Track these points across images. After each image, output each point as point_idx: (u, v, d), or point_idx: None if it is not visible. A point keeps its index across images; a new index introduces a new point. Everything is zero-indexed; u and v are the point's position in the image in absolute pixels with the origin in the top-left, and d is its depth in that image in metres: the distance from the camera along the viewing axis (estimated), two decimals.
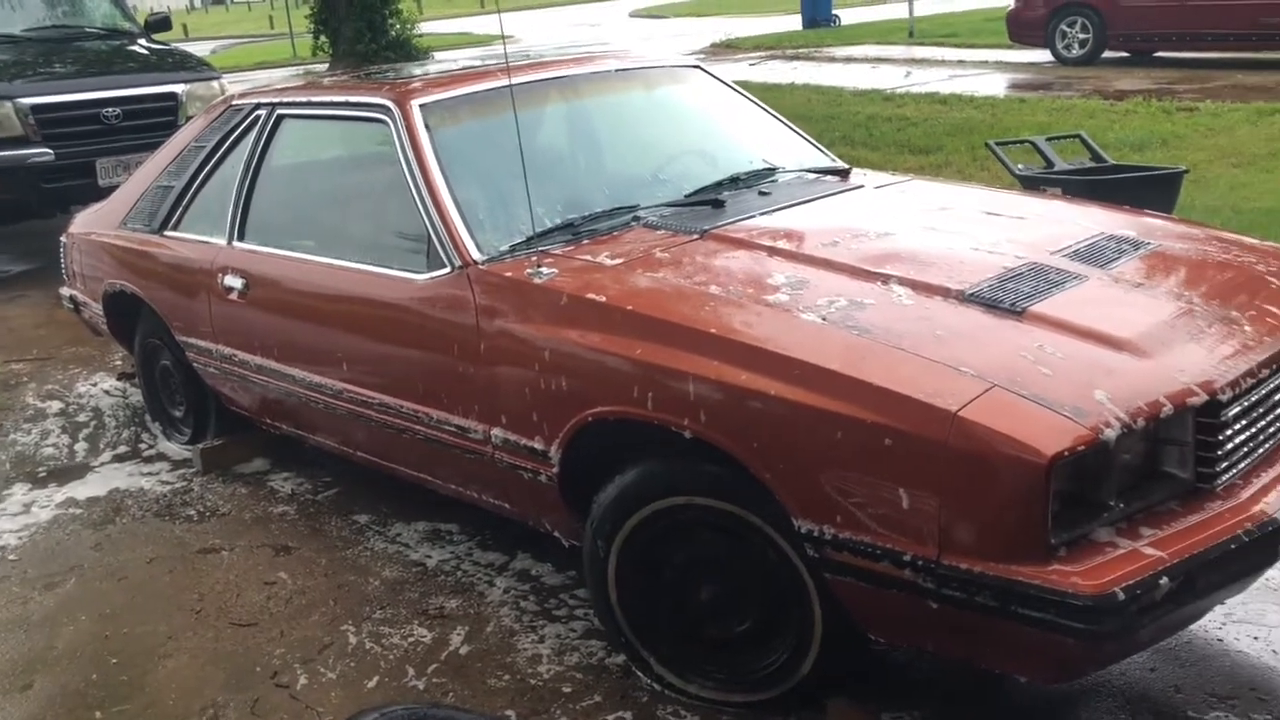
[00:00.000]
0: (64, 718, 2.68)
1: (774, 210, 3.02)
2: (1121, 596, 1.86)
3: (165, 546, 3.49)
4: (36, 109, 6.71)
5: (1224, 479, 2.12)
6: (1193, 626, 2.56)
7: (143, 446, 4.34)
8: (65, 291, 4.76)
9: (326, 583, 3.19)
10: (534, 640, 2.81)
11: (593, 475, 2.56)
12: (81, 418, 4.64)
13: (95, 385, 5.03)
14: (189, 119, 5.23)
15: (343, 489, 3.79)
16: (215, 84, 7.43)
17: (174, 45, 8.56)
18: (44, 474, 4.13)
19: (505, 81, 3.09)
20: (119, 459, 4.23)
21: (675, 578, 2.50)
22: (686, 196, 3.17)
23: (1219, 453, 2.10)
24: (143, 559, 3.42)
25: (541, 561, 3.18)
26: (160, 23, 8.43)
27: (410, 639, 2.87)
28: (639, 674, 2.60)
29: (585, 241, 2.88)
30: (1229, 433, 2.12)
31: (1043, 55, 13.41)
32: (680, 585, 2.50)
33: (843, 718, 2.39)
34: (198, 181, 3.89)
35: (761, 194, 3.18)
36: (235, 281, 3.55)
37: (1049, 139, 5.62)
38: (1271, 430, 2.26)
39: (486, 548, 3.30)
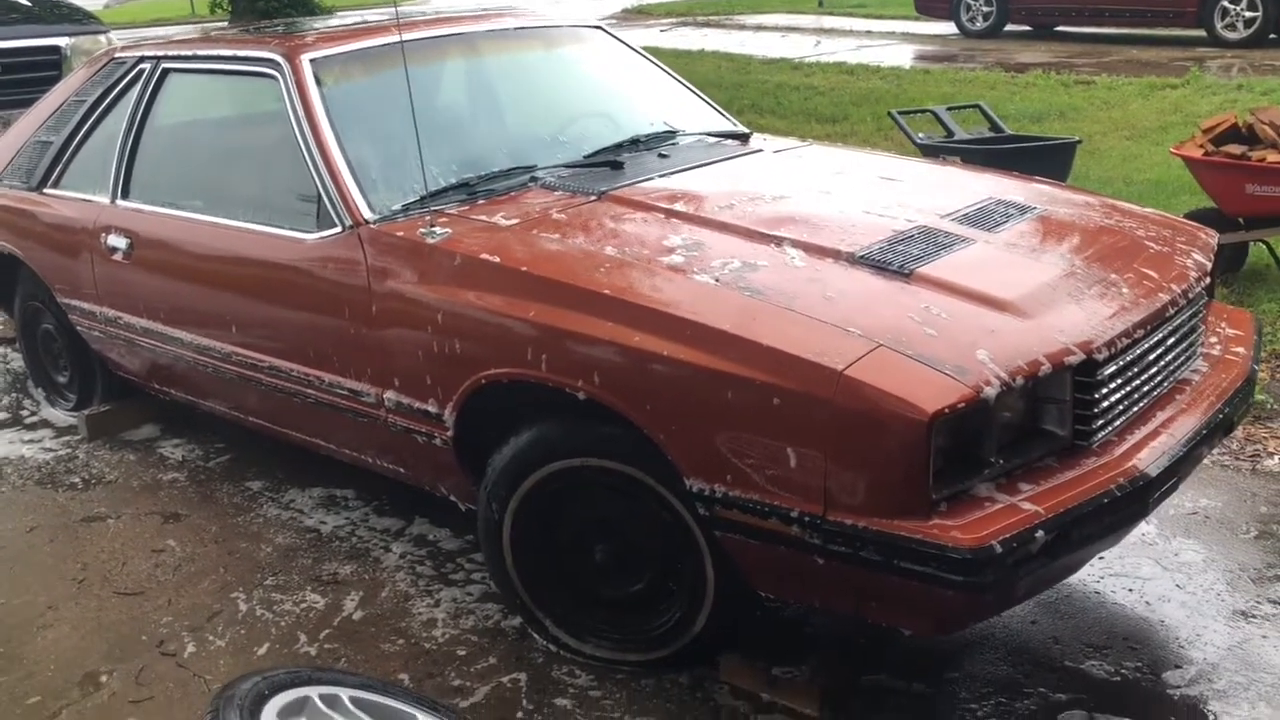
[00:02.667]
0: None
1: (672, 173, 3.01)
2: (998, 549, 1.91)
3: (47, 515, 3.37)
4: None
5: (1100, 436, 2.18)
6: (1072, 579, 2.65)
7: (24, 413, 4.19)
8: None
9: (217, 550, 3.12)
10: (429, 604, 2.79)
11: (487, 438, 2.54)
12: None
13: None
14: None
15: (236, 455, 3.70)
16: (102, 38, 7.09)
17: None
18: None
19: (399, 37, 3.02)
20: None
21: (571, 539, 2.50)
22: (585, 158, 3.14)
23: (1095, 410, 2.16)
24: (22, 528, 3.30)
25: (439, 526, 3.15)
26: None
27: (303, 605, 2.82)
28: (535, 636, 2.60)
29: (481, 201, 2.84)
30: (1105, 391, 2.18)
31: (948, 27, 13.64)
32: (576, 547, 2.50)
33: (735, 674, 2.42)
34: (79, 137, 3.74)
35: (661, 156, 3.17)
36: (119, 241, 3.42)
37: (949, 109, 5.71)
38: (1146, 389, 2.34)
39: (383, 513, 3.26)
